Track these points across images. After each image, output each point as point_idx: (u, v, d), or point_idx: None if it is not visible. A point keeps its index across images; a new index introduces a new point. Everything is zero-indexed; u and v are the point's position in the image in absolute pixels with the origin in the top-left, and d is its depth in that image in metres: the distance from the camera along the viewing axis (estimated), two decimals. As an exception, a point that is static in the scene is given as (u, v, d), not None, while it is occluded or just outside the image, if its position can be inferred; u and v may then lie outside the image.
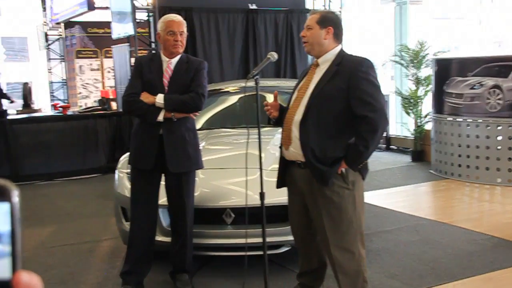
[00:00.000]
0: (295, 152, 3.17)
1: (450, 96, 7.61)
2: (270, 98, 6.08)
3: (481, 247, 4.83)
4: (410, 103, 9.08)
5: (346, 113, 3.06)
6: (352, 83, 3.04)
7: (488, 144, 7.18)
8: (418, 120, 9.05)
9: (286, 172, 3.34)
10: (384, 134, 10.08)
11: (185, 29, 3.98)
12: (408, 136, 9.71)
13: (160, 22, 3.98)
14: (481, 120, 7.25)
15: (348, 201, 3.12)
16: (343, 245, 3.14)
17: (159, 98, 3.86)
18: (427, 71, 8.93)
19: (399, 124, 10.56)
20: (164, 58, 3.99)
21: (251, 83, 3.41)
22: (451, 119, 7.62)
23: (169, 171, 3.94)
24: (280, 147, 3.32)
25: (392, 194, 6.95)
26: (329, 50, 3.19)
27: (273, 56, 3.44)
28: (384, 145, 10.19)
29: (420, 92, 9.00)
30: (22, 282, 0.69)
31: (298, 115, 3.15)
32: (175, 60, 3.99)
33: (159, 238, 4.28)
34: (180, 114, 3.92)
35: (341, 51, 3.22)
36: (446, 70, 7.81)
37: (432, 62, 8.20)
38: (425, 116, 8.94)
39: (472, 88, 7.34)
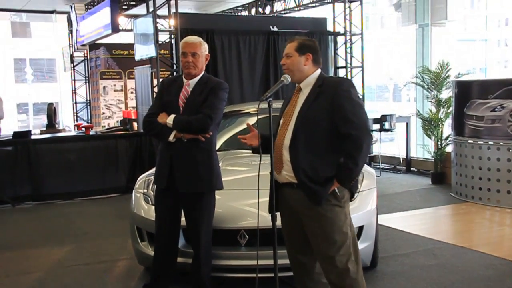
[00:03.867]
0: (288, 174, 3.27)
1: (471, 118, 7.54)
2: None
3: (499, 272, 4.75)
4: (430, 125, 9.02)
5: (332, 132, 3.19)
6: (335, 103, 3.18)
7: (509, 167, 7.07)
8: (439, 143, 8.98)
9: (279, 195, 3.38)
10: (404, 156, 10.05)
11: (200, 51, 4.00)
12: (428, 158, 9.64)
13: None
14: (502, 143, 7.16)
15: (340, 218, 3.22)
16: (338, 261, 3.19)
17: (169, 119, 3.94)
18: (448, 93, 8.87)
19: (420, 146, 10.47)
20: (184, 80, 4.07)
21: (264, 105, 3.43)
22: (471, 141, 7.54)
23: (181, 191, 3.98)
24: (271, 173, 3.35)
25: (411, 217, 6.88)
26: (309, 74, 3.36)
27: (286, 79, 3.46)
28: (404, 167, 10.12)
29: (441, 114, 8.94)
30: None
31: (287, 140, 3.26)
32: (193, 81, 4.04)
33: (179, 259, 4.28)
34: (190, 135, 3.95)
35: (321, 74, 3.38)
36: (466, 92, 7.75)
37: (453, 84, 8.15)
38: (446, 139, 8.87)
39: (493, 111, 7.27)
